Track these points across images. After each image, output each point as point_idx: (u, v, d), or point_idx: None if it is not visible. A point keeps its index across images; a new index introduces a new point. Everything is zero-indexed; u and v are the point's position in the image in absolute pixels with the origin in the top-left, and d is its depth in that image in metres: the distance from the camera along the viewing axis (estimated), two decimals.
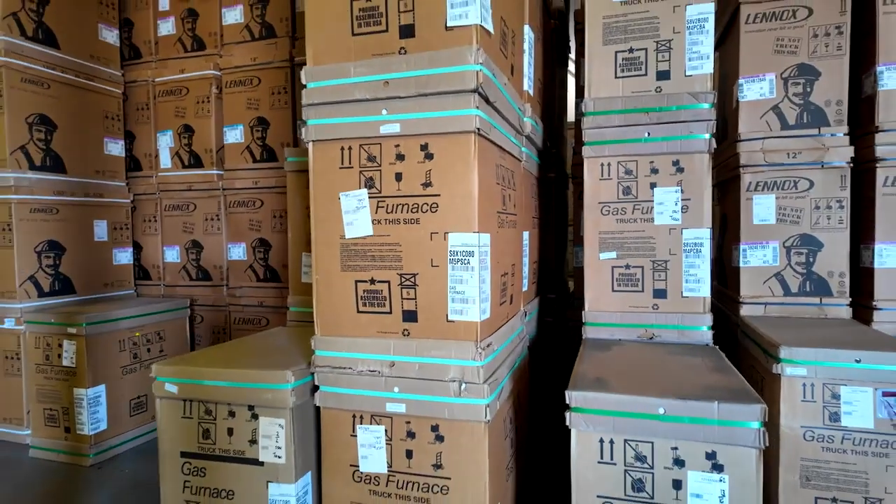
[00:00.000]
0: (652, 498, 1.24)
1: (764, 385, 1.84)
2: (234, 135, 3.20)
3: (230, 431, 1.53)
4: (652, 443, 1.24)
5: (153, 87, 3.39)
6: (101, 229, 3.25)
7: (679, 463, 1.22)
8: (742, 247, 2.28)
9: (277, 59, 3.09)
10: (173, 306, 3.06)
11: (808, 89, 2.20)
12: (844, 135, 2.17)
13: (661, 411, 1.21)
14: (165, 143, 3.37)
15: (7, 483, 2.39)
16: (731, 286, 2.42)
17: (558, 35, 2.78)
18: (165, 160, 3.37)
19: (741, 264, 2.28)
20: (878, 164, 2.14)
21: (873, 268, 2.16)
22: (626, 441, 1.25)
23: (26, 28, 2.83)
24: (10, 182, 2.73)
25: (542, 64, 2.33)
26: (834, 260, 2.18)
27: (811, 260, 2.21)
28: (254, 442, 1.51)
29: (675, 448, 1.22)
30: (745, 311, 2.26)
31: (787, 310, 2.23)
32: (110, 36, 3.32)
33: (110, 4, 3.33)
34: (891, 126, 2.12)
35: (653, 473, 1.24)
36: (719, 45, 2.80)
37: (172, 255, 3.39)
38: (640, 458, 1.24)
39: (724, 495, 1.19)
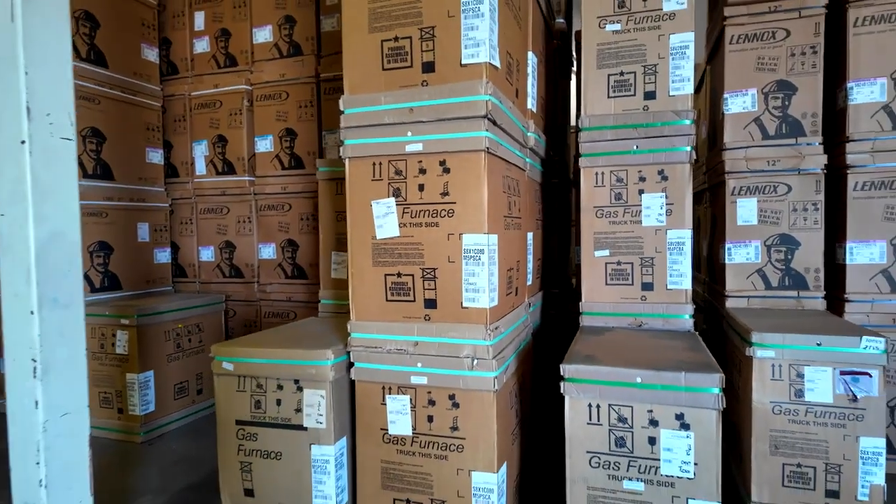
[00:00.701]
0: (632, 452, 1.50)
1: (741, 367, 2.09)
2: (265, 144, 3.49)
3: (278, 402, 1.81)
4: (631, 407, 1.49)
5: (189, 101, 3.70)
6: (143, 231, 3.56)
7: (654, 423, 1.48)
8: (727, 245, 2.52)
9: (304, 75, 3.38)
10: (210, 301, 3.37)
11: (787, 103, 2.44)
12: (819, 144, 2.40)
13: (639, 380, 1.47)
14: (201, 151, 3.68)
15: None
16: (720, 281, 2.66)
17: (561, 53, 3.04)
18: (201, 167, 3.68)
19: (726, 261, 2.52)
20: (848, 171, 2.37)
21: (845, 264, 2.40)
22: (610, 405, 1.51)
23: (80, 50, 3.15)
24: (85, 190, 3.04)
25: (545, 82, 2.59)
26: (810, 257, 2.42)
27: (789, 257, 2.44)
28: (299, 410, 1.79)
29: (651, 411, 1.48)
30: (730, 303, 2.50)
31: (768, 302, 2.47)
32: (151, 54, 3.64)
33: (151, 25, 3.65)
34: (860, 136, 2.36)
35: (632, 432, 1.50)
36: (711, 58, 3.05)
37: (207, 254, 3.69)
38: (621, 419, 1.50)
39: (690, 449, 1.45)
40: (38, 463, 1.50)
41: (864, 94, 2.34)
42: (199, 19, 3.67)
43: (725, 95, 2.53)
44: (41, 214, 1.49)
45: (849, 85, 2.37)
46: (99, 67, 3.24)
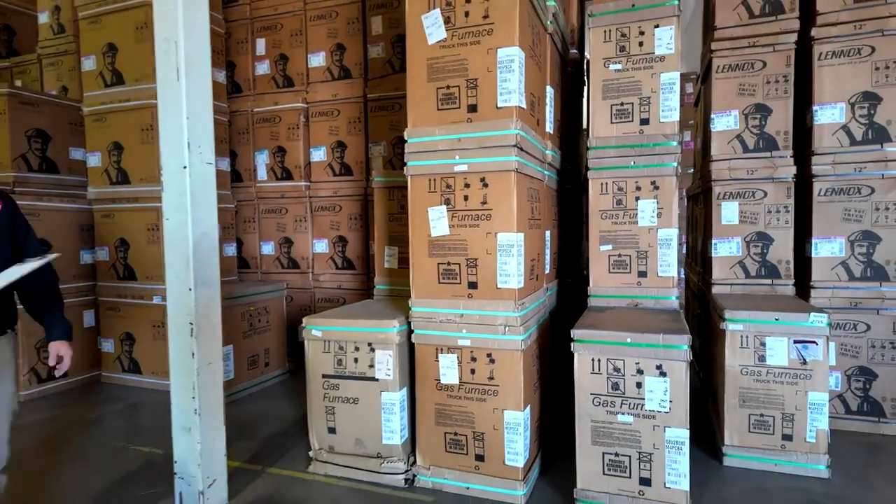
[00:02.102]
0: (624, 393, 2.03)
1: (719, 339, 2.60)
2: (319, 154, 4.07)
3: (356, 360, 2.38)
4: (624, 360, 2.02)
5: (252, 116, 4.29)
6: None
7: (640, 371, 2.00)
8: (713, 241, 3.02)
9: (353, 95, 3.94)
10: (274, 288, 3.96)
11: (763, 122, 2.93)
12: (790, 157, 2.88)
13: (629, 340, 2.00)
14: (262, 160, 4.27)
15: (164, 418, 3.31)
16: (708, 272, 3.16)
17: (574, 77, 3.54)
18: (262, 174, 4.27)
19: (713, 255, 3.02)
20: (814, 179, 2.86)
21: (811, 257, 2.88)
22: (608, 359, 2.04)
23: None
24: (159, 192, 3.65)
25: (561, 106, 3.10)
26: (782, 251, 2.91)
27: (765, 251, 2.93)
28: (371, 366, 2.35)
29: (638, 363, 2.00)
30: (715, 290, 3.00)
31: (748, 289, 2.97)
32: (220, 76, 4.23)
33: (220, 51, 4.24)
34: (823, 151, 2.83)
35: (624, 378, 2.03)
36: (704, 80, 3.53)
37: (268, 248, 4.29)
38: (616, 369, 2.03)
39: (666, 390, 1.97)
40: (193, 397, 2.09)
41: (826, 115, 2.82)
42: (261, 45, 4.25)
43: (712, 115, 3.02)
44: (195, 219, 2.07)
45: (814, 108, 2.84)
46: None
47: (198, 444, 2.10)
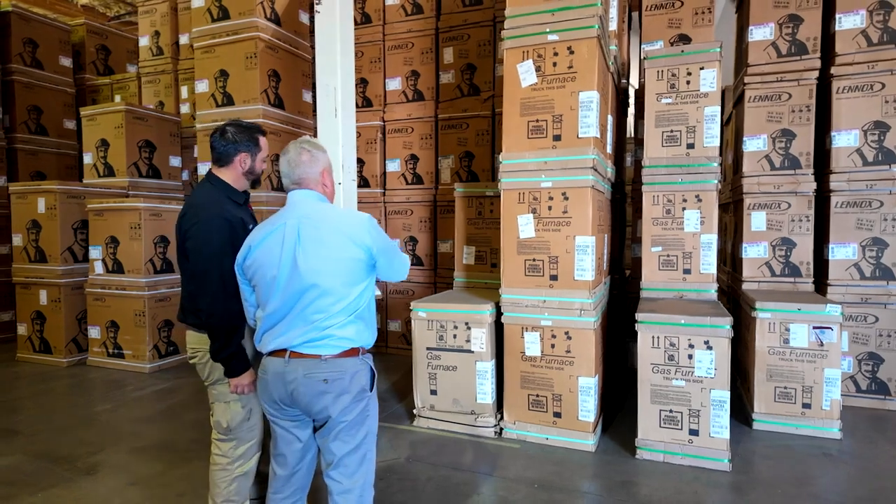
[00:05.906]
0: (678, 363, 2.59)
1: (749, 326, 3.14)
2: (393, 166, 4.67)
3: (454, 336, 2.97)
4: (678, 336, 2.58)
5: None
6: None
7: (691, 346, 2.56)
8: (744, 245, 3.56)
9: (426, 115, 4.53)
10: None
11: (788, 145, 3.46)
12: (811, 175, 3.41)
13: (682, 321, 2.55)
14: None
15: None
16: (738, 271, 3.69)
17: (623, 101, 4.10)
18: None
19: (743, 256, 3.56)
20: (831, 194, 3.38)
21: (828, 259, 3.40)
22: (665, 336, 2.60)
23: (270, 98, 4.38)
24: (263, 198, 4.29)
25: (616, 128, 3.67)
26: (803, 254, 3.43)
27: (788, 254, 3.46)
28: (468, 341, 2.93)
29: (689, 339, 2.56)
30: (745, 286, 3.54)
31: (773, 286, 3.50)
32: (307, 96, 4.86)
33: (307, 75, 4.86)
34: (840, 170, 3.36)
35: (678, 351, 2.58)
36: (736, 105, 4.06)
37: None
38: (672, 344, 2.59)
39: (712, 360, 2.52)
40: None
41: (843, 140, 3.34)
42: None
43: (745, 138, 3.56)
44: None
45: (833, 133, 3.37)
46: (279, 110, 4.47)
47: None
